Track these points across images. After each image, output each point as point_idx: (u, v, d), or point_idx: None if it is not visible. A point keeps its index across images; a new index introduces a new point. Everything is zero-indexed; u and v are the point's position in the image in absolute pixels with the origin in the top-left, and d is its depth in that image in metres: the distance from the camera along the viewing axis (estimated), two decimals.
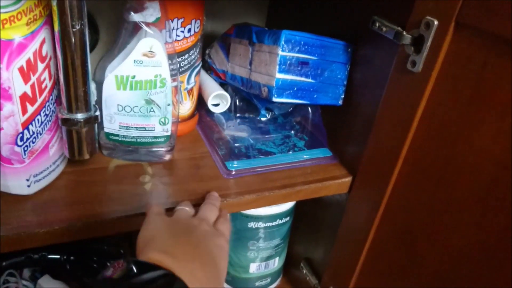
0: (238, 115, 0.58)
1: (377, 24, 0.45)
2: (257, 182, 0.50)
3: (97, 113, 0.40)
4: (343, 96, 0.53)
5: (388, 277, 0.53)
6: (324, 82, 0.51)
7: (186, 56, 0.52)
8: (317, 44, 0.49)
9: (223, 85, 0.59)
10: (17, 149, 0.40)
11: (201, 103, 0.59)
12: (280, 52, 0.47)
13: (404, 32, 0.42)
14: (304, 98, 0.51)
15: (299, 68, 0.49)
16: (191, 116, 0.58)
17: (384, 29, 0.44)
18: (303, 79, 0.50)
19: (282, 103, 0.56)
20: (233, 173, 0.51)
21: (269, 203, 0.50)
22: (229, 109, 0.58)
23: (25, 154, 0.41)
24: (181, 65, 0.52)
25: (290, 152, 0.55)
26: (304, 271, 0.67)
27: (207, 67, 0.61)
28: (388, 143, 0.47)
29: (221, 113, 0.58)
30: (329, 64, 0.51)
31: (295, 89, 0.50)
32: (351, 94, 0.54)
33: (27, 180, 0.42)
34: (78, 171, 0.48)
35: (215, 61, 0.60)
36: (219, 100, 0.58)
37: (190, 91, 0.55)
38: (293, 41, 0.48)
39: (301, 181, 0.52)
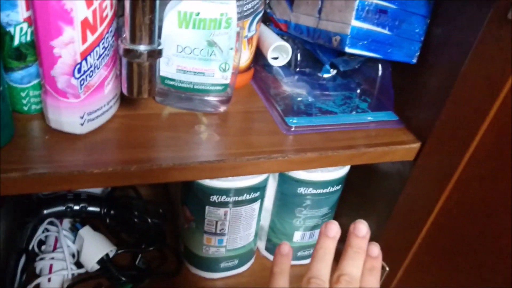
0: (297, 69, 0.54)
1: None
2: (319, 141, 0.46)
3: (161, 47, 0.37)
4: (417, 54, 0.49)
5: (452, 253, 0.49)
6: (400, 36, 0.47)
7: None
8: None
9: (282, 37, 0.55)
10: (73, 81, 0.37)
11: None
12: None
13: None
14: (377, 52, 0.46)
15: (376, 17, 0.44)
16: (247, 68, 0.54)
17: None
18: (379, 29, 0.45)
19: (350, 56, 0.51)
20: (293, 129, 0.47)
21: (333, 163, 0.46)
22: (288, 63, 0.54)
23: (81, 88, 0.38)
24: (244, 9, 0.48)
25: (353, 113, 0.51)
26: None
27: (266, 18, 0.57)
28: (472, 105, 0.42)
29: (279, 68, 0.54)
30: (408, 16, 0.46)
31: (370, 40, 0.45)
32: (427, 52, 0.48)
33: (81, 117, 0.39)
34: (131, 115, 0.45)
35: (275, 11, 0.56)
36: (278, 54, 0.54)
37: (250, 40, 0.51)
38: None
39: (365, 143, 0.48)
